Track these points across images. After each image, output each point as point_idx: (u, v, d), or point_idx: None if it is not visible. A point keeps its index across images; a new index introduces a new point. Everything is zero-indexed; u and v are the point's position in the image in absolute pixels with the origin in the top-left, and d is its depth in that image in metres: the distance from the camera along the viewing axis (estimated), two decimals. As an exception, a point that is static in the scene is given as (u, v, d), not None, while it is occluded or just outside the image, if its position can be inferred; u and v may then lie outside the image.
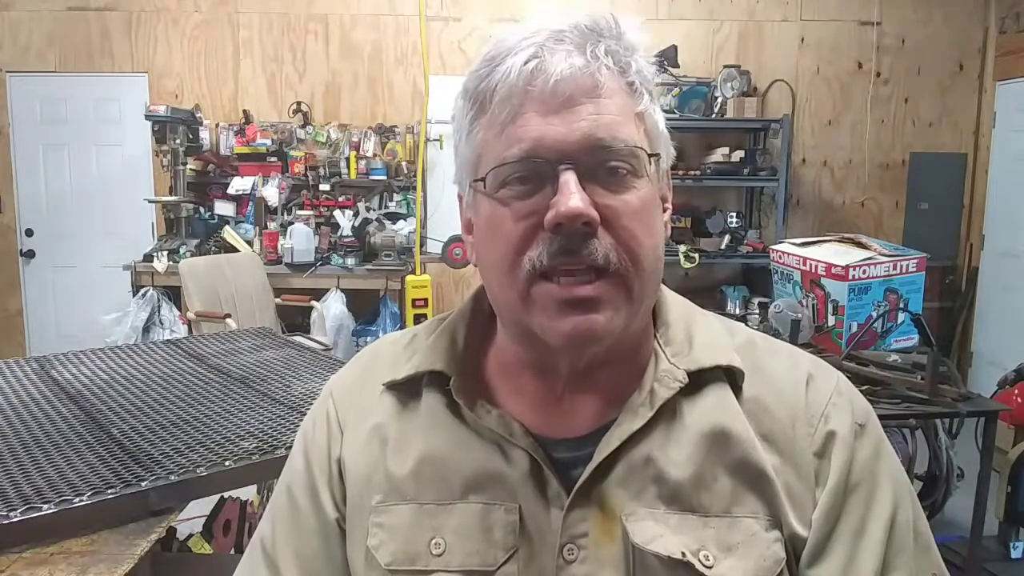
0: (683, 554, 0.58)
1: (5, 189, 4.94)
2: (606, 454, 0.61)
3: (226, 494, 1.93)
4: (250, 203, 4.74)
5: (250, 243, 4.62)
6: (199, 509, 1.73)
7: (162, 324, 4.24)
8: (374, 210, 4.77)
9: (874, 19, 4.87)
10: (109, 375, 1.88)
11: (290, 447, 0.78)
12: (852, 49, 4.93)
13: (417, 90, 4.81)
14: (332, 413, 0.72)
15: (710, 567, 0.58)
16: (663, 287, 0.69)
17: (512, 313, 0.62)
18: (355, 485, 0.67)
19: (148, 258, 4.34)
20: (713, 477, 0.61)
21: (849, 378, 0.70)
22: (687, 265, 4.46)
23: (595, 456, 0.61)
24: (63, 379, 1.84)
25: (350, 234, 4.65)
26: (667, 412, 0.63)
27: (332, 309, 4.31)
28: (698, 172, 4.66)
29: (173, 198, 4.56)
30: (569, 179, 0.57)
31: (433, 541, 0.63)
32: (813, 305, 2.78)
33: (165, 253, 4.35)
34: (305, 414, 0.79)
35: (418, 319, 4.17)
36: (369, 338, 4.34)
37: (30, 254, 5.01)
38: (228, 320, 3.57)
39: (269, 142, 4.75)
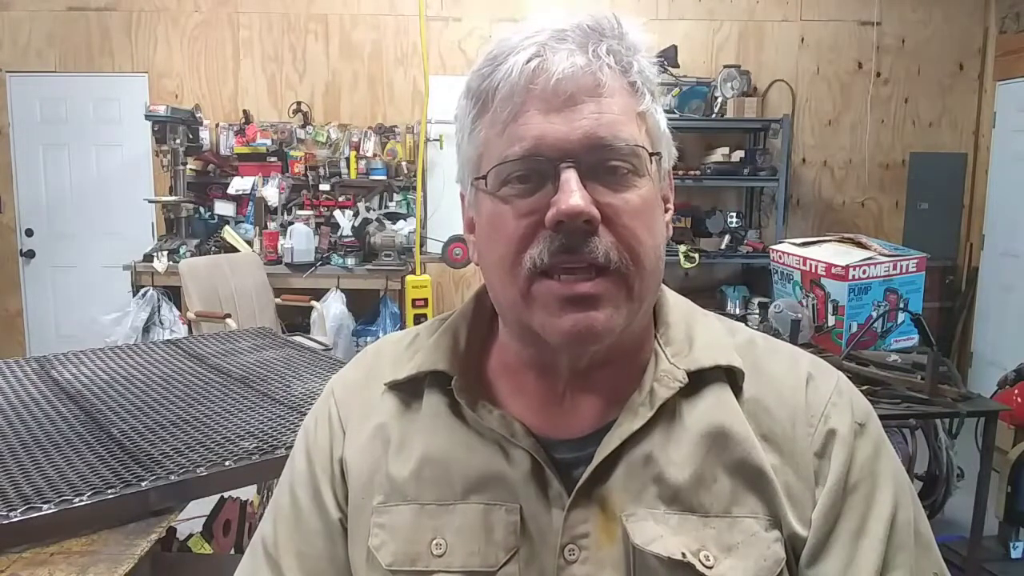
0: (683, 555, 0.58)
1: (5, 189, 4.94)
2: (606, 454, 0.61)
3: (226, 494, 1.93)
4: (250, 203, 4.74)
5: (250, 243, 4.62)
6: (199, 509, 1.73)
7: (162, 324, 4.24)
8: (374, 210, 4.77)
9: (874, 19, 4.87)
10: (109, 375, 1.88)
11: (290, 447, 0.78)
12: (852, 49, 4.93)
13: (417, 90, 4.82)
14: (334, 413, 0.72)
15: (710, 567, 0.58)
16: (664, 287, 0.69)
17: (513, 311, 0.62)
18: (357, 485, 0.68)
19: (148, 258, 4.34)
20: (713, 477, 0.61)
21: (849, 378, 0.70)
22: (687, 265, 4.46)
23: (596, 456, 0.61)
24: (63, 379, 1.84)
25: (350, 234, 4.65)
26: (667, 412, 0.63)
27: (332, 309, 4.31)
28: (698, 172, 4.66)
29: (173, 198, 4.56)
30: (570, 177, 0.57)
31: (434, 542, 0.63)
32: (813, 305, 2.78)
33: (165, 253, 4.35)
34: (305, 414, 0.79)
35: (418, 319, 4.17)
36: (369, 338, 4.35)
37: (30, 254, 5.01)
38: (228, 320, 3.58)
39: (269, 142, 4.75)
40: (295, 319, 4.48)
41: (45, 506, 1.15)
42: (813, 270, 2.79)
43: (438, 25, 4.84)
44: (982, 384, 4.23)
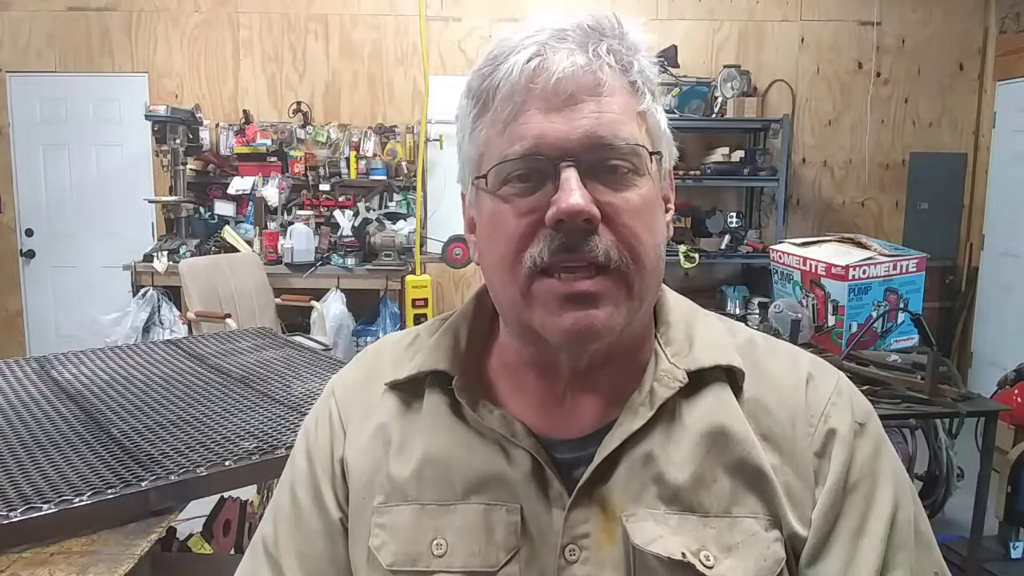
0: (683, 555, 0.58)
1: (5, 189, 4.94)
2: (606, 454, 0.61)
3: (226, 494, 1.93)
4: (250, 203, 4.74)
5: (250, 243, 4.62)
6: (199, 509, 1.73)
7: (162, 324, 4.24)
8: (374, 210, 4.77)
9: (874, 19, 4.87)
10: (109, 375, 1.88)
11: (290, 447, 0.78)
12: (852, 49, 4.93)
13: (417, 90, 4.82)
14: (335, 413, 0.72)
15: (710, 567, 0.58)
16: (665, 287, 0.69)
17: (513, 310, 0.62)
18: (357, 485, 0.68)
19: (148, 258, 4.34)
20: (713, 477, 0.61)
21: (849, 378, 0.70)
22: (687, 265, 4.46)
23: (596, 456, 0.61)
24: (63, 379, 1.84)
25: (350, 234, 4.65)
26: (667, 412, 0.63)
27: (332, 309, 4.31)
28: (698, 172, 4.66)
29: (173, 198, 4.56)
30: (570, 176, 0.57)
31: (435, 542, 0.63)
32: (813, 305, 2.78)
33: (165, 253, 4.35)
34: (305, 414, 0.79)
35: (418, 319, 4.17)
36: (369, 338, 4.35)
37: (30, 254, 5.01)
38: (228, 320, 3.58)
39: (269, 142, 4.75)
40: (295, 319, 4.48)
41: (45, 506, 1.15)
42: (813, 270, 2.79)
43: (438, 25, 4.84)
44: (982, 384, 4.23)
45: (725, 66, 4.76)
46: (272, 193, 4.69)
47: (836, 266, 2.69)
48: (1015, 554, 2.77)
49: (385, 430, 0.68)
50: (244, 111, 4.82)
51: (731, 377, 0.65)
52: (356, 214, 4.73)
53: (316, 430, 0.72)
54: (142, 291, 4.29)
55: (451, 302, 4.98)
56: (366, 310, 4.59)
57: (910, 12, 4.89)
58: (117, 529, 1.18)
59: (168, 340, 2.33)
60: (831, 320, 2.71)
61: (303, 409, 1.63)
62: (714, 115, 4.71)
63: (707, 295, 4.76)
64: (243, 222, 4.76)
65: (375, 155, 4.77)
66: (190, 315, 3.74)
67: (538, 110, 0.58)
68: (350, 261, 4.48)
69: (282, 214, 4.72)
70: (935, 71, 4.93)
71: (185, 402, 1.67)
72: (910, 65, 4.93)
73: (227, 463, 1.33)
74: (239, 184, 4.70)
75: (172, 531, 1.74)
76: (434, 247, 4.64)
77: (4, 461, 1.32)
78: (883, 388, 2.27)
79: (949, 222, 5.02)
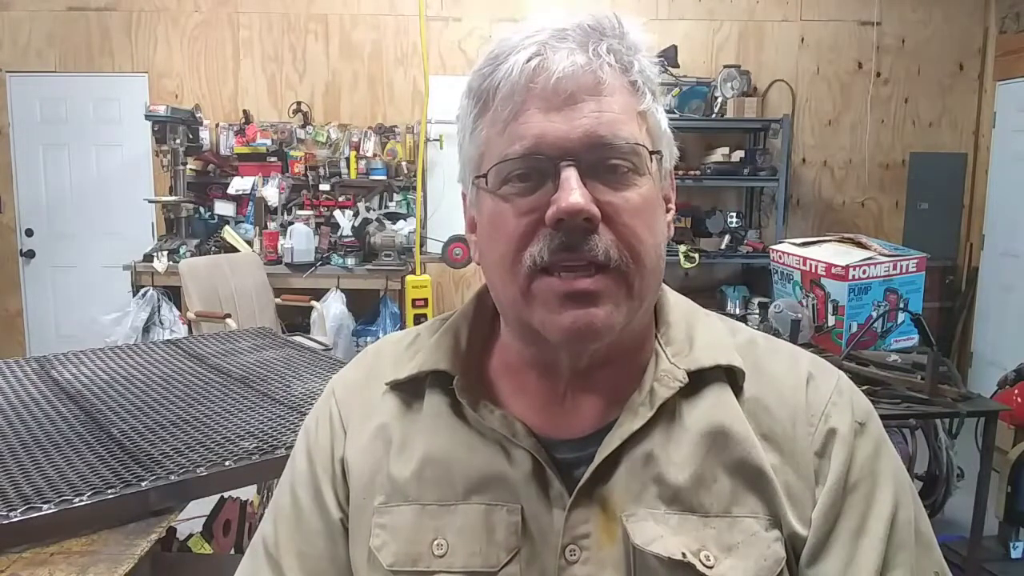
0: (683, 555, 0.58)
1: (5, 189, 4.94)
2: (607, 454, 0.61)
3: (226, 494, 1.93)
4: (250, 203, 4.74)
5: (250, 243, 4.62)
6: (199, 509, 1.73)
7: (162, 324, 4.24)
8: (374, 210, 4.77)
9: (874, 19, 4.87)
10: (109, 375, 1.88)
11: (290, 447, 0.78)
12: (852, 49, 4.93)
13: (417, 90, 4.82)
14: (335, 413, 0.72)
15: (711, 567, 0.58)
16: (665, 287, 0.69)
17: (514, 309, 0.62)
18: (358, 485, 0.67)
19: (148, 258, 4.34)
20: (713, 477, 0.61)
21: (849, 378, 0.70)
22: (687, 265, 4.46)
23: (596, 456, 0.61)
24: (63, 379, 1.84)
25: (350, 234, 4.65)
26: (667, 412, 0.63)
27: (332, 309, 4.31)
28: (698, 172, 4.66)
29: (173, 198, 4.56)
30: (570, 175, 0.57)
31: (435, 542, 0.63)
32: (813, 305, 2.78)
33: (165, 253, 4.35)
34: (305, 414, 0.79)
35: (418, 319, 4.17)
36: (369, 338, 4.35)
37: (30, 254, 5.01)
38: (228, 320, 3.58)
39: (269, 142, 4.75)
40: (295, 319, 4.48)
41: (45, 506, 1.15)
42: (813, 270, 2.79)
43: (438, 25, 4.84)
44: (982, 384, 4.23)
45: (725, 66, 4.76)
46: (272, 193, 4.69)
47: (836, 266, 2.69)
48: (1015, 554, 2.77)
49: (386, 430, 0.68)
50: (244, 111, 4.82)
51: (731, 377, 0.65)
52: (356, 214, 4.73)
53: (316, 430, 0.72)
54: (142, 291, 4.29)
55: (451, 302, 4.98)
56: (366, 310, 4.59)
57: (910, 12, 4.89)
58: (117, 529, 1.18)
59: (168, 340, 2.33)
60: (831, 320, 2.71)
61: (303, 409, 1.63)
62: (714, 115, 4.71)
63: (707, 295, 4.76)
64: (243, 222, 4.76)
65: (375, 155, 4.77)
66: (190, 315, 3.74)
67: (538, 110, 0.58)
68: (350, 261, 4.48)
69: (282, 214, 4.72)
70: (935, 71, 4.93)
71: (185, 402, 1.67)
72: (910, 65, 4.93)
73: (227, 463, 1.33)
74: (239, 184, 4.70)
75: (172, 531, 1.74)
76: (434, 247, 4.64)
77: (4, 461, 1.32)
78: (883, 388, 2.27)
79: (949, 222, 5.02)
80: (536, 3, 4.72)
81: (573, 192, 0.56)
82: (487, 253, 0.63)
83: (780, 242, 3.24)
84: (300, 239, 4.41)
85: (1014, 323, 4.46)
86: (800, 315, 2.66)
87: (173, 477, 1.27)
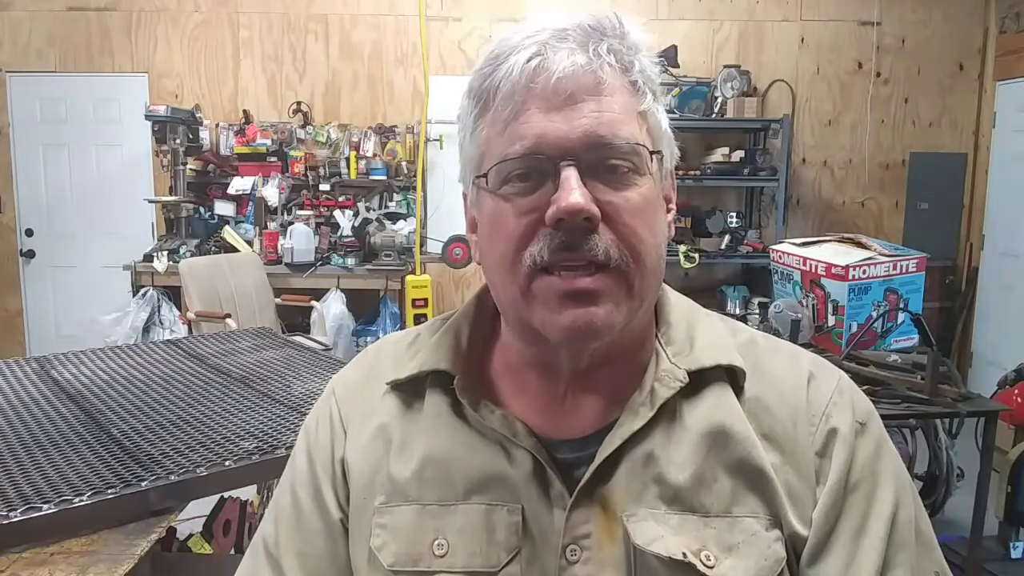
0: (684, 555, 0.58)
1: (5, 189, 4.94)
2: (607, 454, 0.61)
3: (226, 494, 1.93)
4: (250, 203, 4.74)
5: (250, 243, 4.62)
6: (199, 509, 1.73)
7: (162, 324, 4.24)
8: (374, 210, 4.77)
9: (874, 19, 4.87)
10: (109, 375, 1.88)
11: (290, 447, 0.78)
12: (852, 49, 4.93)
13: (417, 90, 4.81)
14: (335, 413, 0.72)
15: (711, 567, 0.58)
16: (666, 287, 0.69)
17: (514, 309, 0.62)
18: (358, 485, 0.67)
19: (148, 258, 4.34)
20: (713, 477, 0.61)
21: (850, 378, 0.70)
22: (687, 265, 4.46)
23: (597, 456, 0.61)
24: (63, 379, 1.84)
25: (350, 234, 4.65)
26: (668, 412, 0.63)
27: (332, 309, 4.31)
28: (698, 172, 4.66)
29: (173, 198, 4.56)
30: (570, 175, 0.57)
31: (436, 542, 0.63)
32: (813, 305, 2.78)
33: (165, 253, 4.35)
34: (305, 414, 0.79)
35: (418, 319, 4.17)
36: (369, 338, 4.35)
37: (30, 254, 5.00)
38: (228, 320, 3.58)
39: (269, 142, 4.75)
40: (295, 319, 4.48)
41: (45, 506, 1.15)
42: (813, 270, 2.79)
43: (438, 25, 4.84)
44: (982, 384, 4.23)
45: (725, 66, 4.76)
46: (272, 193, 4.68)
47: (836, 266, 2.69)
48: (1015, 554, 2.77)
49: (386, 430, 0.68)
50: (244, 111, 4.82)
51: (732, 377, 0.65)
52: (356, 214, 4.73)
53: (316, 430, 0.72)
54: (142, 291, 4.29)
55: (451, 302, 4.98)
56: (366, 310, 4.59)
57: (910, 12, 4.89)
58: (117, 529, 1.18)
59: (168, 340, 2.33)
60: (831, 320, 2.71)
61: (303, 409, 1.63)
62: (714, 115, 4.71)
63: (707, 295, 4.76)
64: (243, 222, 4.76)
65: (375, 155, 4.77)
66: (190, 315, 3.74)
67: (538, 109, 0.58)
68: (350, 261, 4.48)
69: (282, 214, 4.72)
70: (935, 71, 4.93)
71: (185, 402, 1.67)
72: (910, 65, 4.93)
73: (227, 463, 1.33)
74: (239, 184, 4.70)
75: (172, 531, 1.74)
76: (434, 247, 4.64)
77: (4, 461, 1.32)
78: (883, 388, 2.27)
79: (949, 222, 5.02)
80: (536, 3, 4.72)
81: (573, 192, 0.56)
82: (487, 253, 0.63)
83: (780, 242, 3.24)
84: (300, 239, 4.41)
85: (1014, 323, 4.46)
86: (800, 315, 2.66)
87: (173, 477, 1.27)
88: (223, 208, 4.77)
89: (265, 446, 1.41)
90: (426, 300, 4.26)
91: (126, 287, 4.38)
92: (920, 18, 4.89)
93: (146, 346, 2.21)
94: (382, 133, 4.82)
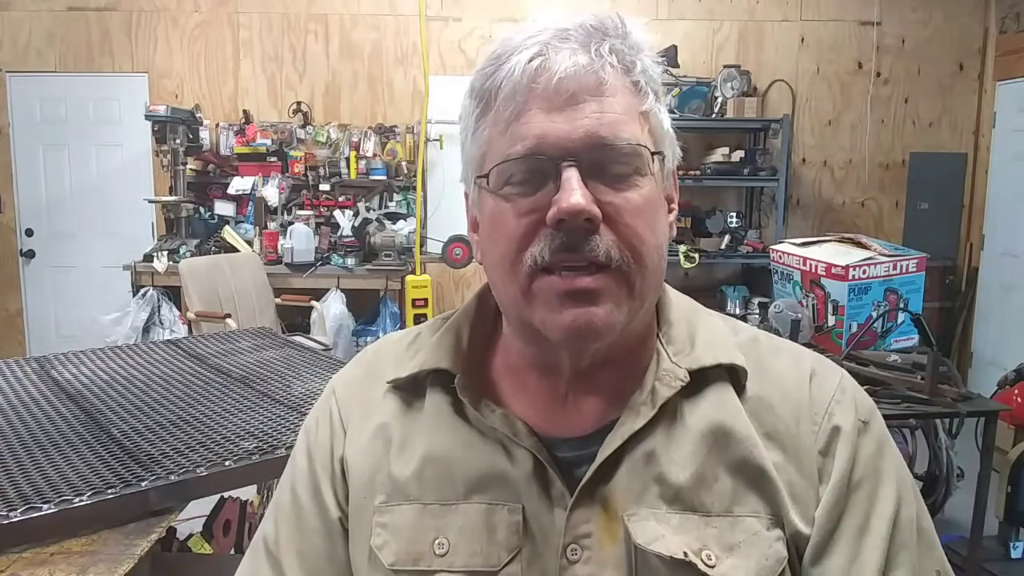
0: (685, 554, 0.58)
1: (5, 189, 4.94)
2: (608, 453, 0.61)
3: (226, 494, 1.93)
4: (250, 203, 4.74)
5: (250, 243, 4.62)
6: (199, 509, 1.73)
7: (162, 324, 4.24)
8: (374, 210, 4.77)
9: (874, 19, 4.87)
10: (109, 375, 1.88)
11: (290, 447, 0.78)
12: (852, 49, 4.93)
13: (417, 90, 4.81)
14: (335, 412, 0.72)
15: (712, 567, 0.58)
16: (667, 286, 0.69)
17: (515, 308, 0.62)
18: (358, 485, 0.67)
19: (148, 258, 4.34)
20: (714, 476, 0.61)
21: (851, 377, 0.70)
22: (687, 265, 4.46)
23: (598, 455, 0.61)
24: (63, 379, 1.84)
25: (350, 234, 4.65)
26: (669, 411, 0.63)
27: (332, 309, 4.31)
28: (698, 172, 4.66)
29: (173, 198, 4.56)
30: (571, 176, 0.57)
31: (437, 541, 0.63)
32: (813, 305, 2.78)
33: (165, 253, 4.35)
34: (305, 414, 0.79)
35: (418, 319, 4.17)
36: (369, 338, 4.34)
37: (30, 254, 5.00)
38: (228, 320, 3.57)
39: (269, 142, 4.75)
40: (295, 319, 4.48)
41: (45, 506, 1.15)
42: (813, 270, 2.79)
43: (438, 25, 4.84)
44: (982, 384, 4.23)
45: (725, 66, 4.76)
46: (272, 193, 4.68)
47: (836, 266, 2.69)
48: (1015, 554, 2.77)
49: (386, 429, 0.68)
50: (244, 111, 4.82)
51: (733, 376, 0.65)
52: (356, 214, 4.73)
53: (316, 429, 0.72)
54: (142, 291, 4.28)
55: (451, 302, 4.98)
56: (366, 310, 4.59)
57: (910, 12, 4.89)
58: (117, 529, 1.18)
59: (168, 340, 2.33)
60: (831, 320, 2.71)
61: (303, 409, 1.63)
62: (714, 115, 4.71)
63: (707, 295, 4.76)
64: (243, 222, 4.76)
65: (375, 155, 4.77)
66: (190, 315, 3.73)
67: (540, 110, 0.58)
68: (350, 261, 4.48)
69: (282, 214, 4.72)
70: (935, 71, 4.93)
71: (185, 402, 1.67)
72: (910, 65, 4.93)
73: (227, 463, 1.33)
74: (239, 184, 4.70)
75: (172, 531, 1.74)
76: (434, 247, 4.64)
77: (4, 461, 1.32)
78: (883, 388, 2.27)
79: (949, 222, 5.02)
80: (536, 3, 4.72)
81: (574, 193, 0.56)
82: (488, 252, 0.63)
83: (780, 242, 3.24)
84: (300, 239, 4.40)
85: (1014, 323, 4.46)
86: (800, 315, 2.66)
87: (173, 477, 1.26)
88: (223, 208, 4.77)
89: (265, 446, 1.41)
90: (426, 300, 4.26)
91: (126, 287, 4.38)
92: (920, 18, 4.89)
93: (146, 346, 2.21)
94: (382, 133, 4.82)
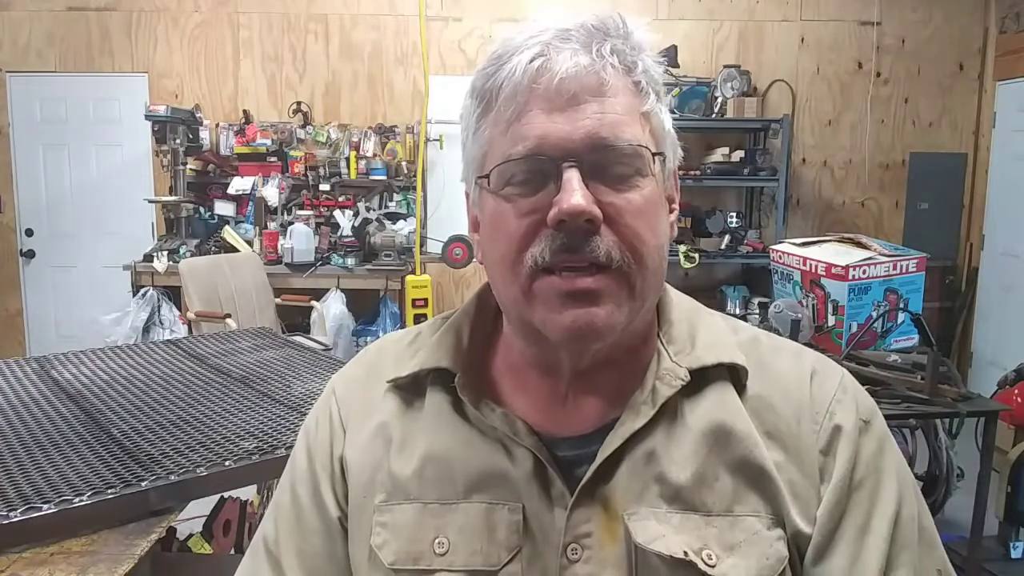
0: (685, 553, 0.58)
1: (5, 189, 4.94)
2: (609, 452, 0.61)
3: (226, 494, 1.93)
4: (250, 203, 4.74)
5: (250, 243, 4.62)
6: (199, 509, 1.73)
7: (162, 324, 4.24)
8: (374, 210, 4.77)
9: (874, 19, 4.87)
10: (109, 375, 1.88)
11: (290, 447, 0.78)
12: (852, 49, 4.93)
13: (417, 90, 4.81)
14: (335, 411, 0.72)
15: (712, 566, 0.58)
16: (668, 286, 0.69)
17: (515, 308, 0.62)
18: (358, 484, 0.67)
19: (148, 258, 4.34)
20: (715, 476, 0.61)
21: (852, 376, 0.70)
22: (687, 265, 4.46)
23: (599, 455, 0.61)
24: (63, 379, 1.84)
25: (350, 234, 4.65)
26: (669, 411, 0.63)
27: (332, 309, 4.31)
28: (698, 172, 4.66)
29: (173, 198, 4.56)
30: (572, 176, 0.57)
31: (437, 540, 0.63)
32: (813, 305, 2.78)
33: (165, 253, 4.35)
34: (305, 414, 0.79)
35: (418, 319, 4.17)
36: (369, 338, 4.34)
37: (30, 254, 5.00)
38: (228, 320, 3.57)
39: (269, 142, 4.75)
40: (295, 319, 4.48)
41: (45, 506, 1.15)
42: (813, 270, 2.79)
43: (438, 25, 4.84)
44: (982, 384, 4.23)
45: (725, 66, 4.76)
46: (272, 193, 4.68)
47: (836, 266, 2.69)
48: (1015, 554, 2.77)
49: (386, 428, 0.68)
50: (244, 111, 4.82)
51: (734, 375, 0.65)
52: (356, 214, 4.73)
53: (316, 429, 0.72)
54: (142, 291, 4.28)
55: (451, 302, 4.98)
56: (366, 310, 4.59)
57: (910, 12, 4.89)
58: (117, 529, 1.18)
59: (168, 340, 2.33)
60: (831, 320, 2.71)
61: (303, 409, 1.63)
62: (714, 115, 4.71)
63: (707, 295, 4.76)
64: (243, 222, 4.76)
65: (375, 155, 4.77)
66: (190, 315, 3.73)
67: (541, 110, 0.58)
68: (350, 261, 4.48)
69: (282, 214, 4.72)
70: (935, 71, 4.93)
71: (185, 402, 1.67)
72: (910, 65, 4.93)
73: (227, 463, 1.33)
74: (239, 184, 4.70)
75: (172, 531, 1.74)
76: (434, 247, 4.64)
77: (4, 461, 1.32)
78: (883, 388, 2.26)
79: (949, 222, 5.03)
80: (537, 3, 4.72)
81: (575, 193, 0.56)
82: (489, 252, 0.63)
83: (780, 242, 3.24)
84: (300, 239, 4.40)
85: (1014, 323, 4.46)
86: (800, 315, 2.66)
87: (173, 477, 1.26)
88: (223, 208, 4.77)
89: (265, 446, 1.41)
90: (426, 300, 4.26)
91: (126, 287, 4.38)
92: (920, 18, 4.89)
93: (146, 346, 2.21)
94: (382, 133, 4.82)
